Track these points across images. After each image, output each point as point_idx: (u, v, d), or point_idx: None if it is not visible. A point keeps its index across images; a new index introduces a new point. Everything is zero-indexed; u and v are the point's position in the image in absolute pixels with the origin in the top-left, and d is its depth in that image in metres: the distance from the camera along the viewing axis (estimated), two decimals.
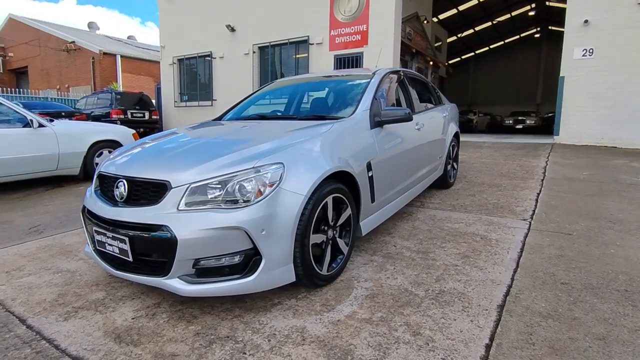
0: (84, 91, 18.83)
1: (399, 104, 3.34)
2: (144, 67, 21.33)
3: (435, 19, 20.49)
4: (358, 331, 1.72)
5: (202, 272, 1.79)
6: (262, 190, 1.81)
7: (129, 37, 31.03)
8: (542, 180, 4.68)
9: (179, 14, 14.01)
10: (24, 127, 4.67)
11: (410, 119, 2.75)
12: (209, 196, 1.79)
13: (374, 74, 3.09)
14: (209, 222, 1.74)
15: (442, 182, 4.29)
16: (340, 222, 2.23)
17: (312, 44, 10.51)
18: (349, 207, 2.28)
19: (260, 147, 2.02)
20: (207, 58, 13.28)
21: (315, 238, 2.02)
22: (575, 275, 2.21)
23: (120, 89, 19.29)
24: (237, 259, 1.78)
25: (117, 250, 1.91)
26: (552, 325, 1.72)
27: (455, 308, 1.89)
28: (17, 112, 4.67)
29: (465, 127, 17.09)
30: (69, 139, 5.01)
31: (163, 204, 1.80)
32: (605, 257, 2.46)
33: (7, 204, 4.21)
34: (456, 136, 4.52)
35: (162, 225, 1.76)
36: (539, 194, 4.07)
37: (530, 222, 3.18)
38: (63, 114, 11.66)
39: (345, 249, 2.30)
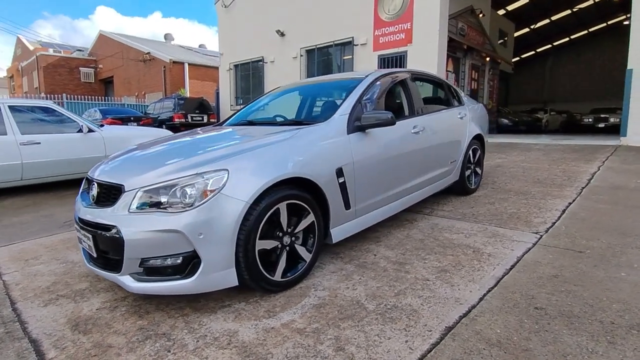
0: (157, 97, 20.76)
1: (396, 106, 3.20)
2: (209, 73, 22.86)
3: (502, 11, 19.08)
4: (284, 341, 1.70)
5: (149, 271, 1.90)
6: (203, 195, 1.87)
7: (200, 46, 33.56)
8: (583, 188, 4.13)
9: (235, 22, 14.79)
10: (77, 132, 5.31)
11: (393, 123, 2.62)
12: (156, 200, 1.90)
13: (364, 77, 3.00)
14: (152, 224, 1.85)
15: (460, 188, 4.01)
16: (299, 228, 2.21)
17: (357, 44, 10.42)
18: (312, 213, 2.25)
19: (212, 154, 2.09)
20: (260, 63, 13.84)
21: (264, 244, 2.03)
22: (558, 300, 1.94)
23: (187, 94, 20.93)
24: (178, 260, 1.86)
25: (87, 246, 2.11)
26: (495, 355, 1.54)
27: (398, 326, 1.78)
28: (72, 119, 5.33)
29: (532, 127, 15.68)
30: (114, 142, 5.58)
31: (117, 206, 1.95)
32: (609, 281, 2.12)
33: (56, 199, 4.83)
34: (478, 139, 4.18)
35: (113, 226, 1.90)
36: (570, 203, 3.61)
37: (541, 236, 2.84)
38: (132, 118, 12.98)
39: (307, 256, 2.27)
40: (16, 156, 4.77)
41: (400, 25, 9.36)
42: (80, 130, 5.31)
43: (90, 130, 5.38)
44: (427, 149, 3.26)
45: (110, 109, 15.14)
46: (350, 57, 10.59)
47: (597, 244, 2.64)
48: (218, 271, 1.89)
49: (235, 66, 15.13)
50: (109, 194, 2.06)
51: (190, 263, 1.87)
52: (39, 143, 4.94)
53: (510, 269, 2.33)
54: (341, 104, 2.70)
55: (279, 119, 3.04)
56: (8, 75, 43.31)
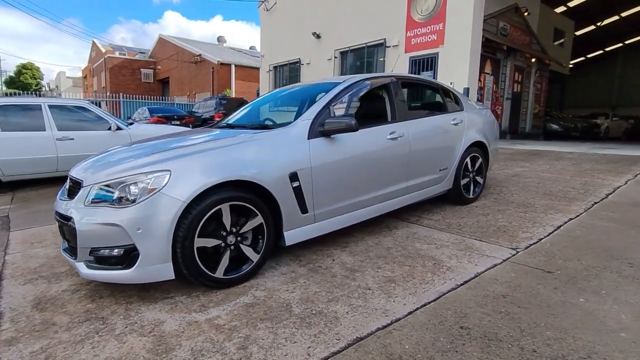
0: (205, 97, 21.93)
1: (374, 112, 3.16)
2: (254, 74, 23.61)
3: (561, 8, 17.70)
4: (199, 334, 1.80)
5: (98, 260, 2.09)
6: (144, 193, 2.02)
7: (250, 47, 34.82)
8: (596, 203, 3.77)
9: (275, 25, 15.20)
10: (107, 129, 5.82)
11: (354, 130, 2.61)
12: (106, 195, 2.08)
13: (340, 83, 3.01)
14: (99, 217, 2.03)
15: (456, 197, 3.85)
16: (245, 229, 2.29)
17: (389, 46, 10.26)
18: (260, 215, 2.32)
19: (162, 155, 2.23)
20: (297, 65, 14.11)
21: (204, 242, 2.13)
22: (491, 321, 1.84)
23: (233, 94, 21.85)
24: (120, 252, 2.03)
25: (60, 233, 2.37)
26: None
27: (311, 332, 1.80)
28: (103, 117, 5.85)
29: (589, 134, 14.41)
30: (139, 139, 6.02)
31: (76, 200, 2.17)
32: (561, 306, 1.96)
33: None
34: (479, 146, 3.98)
35: (70, 217, 2.12)
36: (571, 219, 3.33)
37: (517, 253, 2.67)
38: (175, 117, 13.86)
39: (255, 257, 2.35)
40: (52, 150, 5.34)
41: (432, 26, 9.08)
42: (109, 128, 5.81)
43: (118, 128, 5.87)
44: (408, 155, 3.18)
45: (157, 107, 16.25)
46: (383, 59, 10.45)
47: (574, 265, 2.44)
48: (155, 264, 2.03)
49: (275, 67, 15.54)
50: (75, 189, 2.29)
51: (130, 255, 2.02)
52: (73, 139, 5.49)
53: (462, 284, 2.23)
54: (305, 110, 2.74)
55: (249, 124, 3.12)
56: (82, 76, 48.06)
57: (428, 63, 9.36)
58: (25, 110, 5.33)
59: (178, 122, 13.52)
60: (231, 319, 1.93)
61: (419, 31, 9.41)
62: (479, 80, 9.81)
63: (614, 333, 1.71)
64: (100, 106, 22.42)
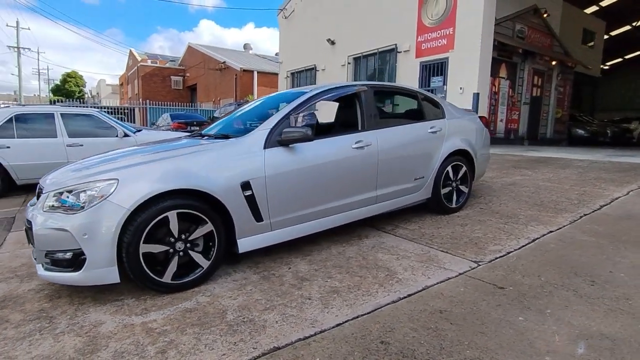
0: (226, 103, 22.52)
1: (340, 121, 3.17)
2: (276, 80, 24.05)
3: (592, 8, 16.89)
4: (128, 336, 1.88)
5: (53, 262, 2.22)
6: (92, 200, 2.14)
7: (276, 54, 35.43)
8: (585, 215, 3.58)
9: (293, 32, 15.44)
10: (115, 136, 6.13)
11: (310, 139, 2.64)
12: (60, 202, 2.22)
13: (306, 92, 3.05)
14: (52, 222, 2.17)
15: (436, 207, 3.78)
16: (194, 236, 2.36)
17: (400, 52, 10.18)
18: (210, 223, 2.39)
19: (116, 164, 2.36)
20: (312, 71, 14.24)
21: (150, 247, 2.22)
22: (415, 337, 1.80)
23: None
24: (70, 255, 2.15)
25: (26, 237, 2.54)
26: None
27: (233, 339, 1.83)
28: (111, 125, 6.17)
29: (619, 139, 13.62)
30: None
31: (37, 205, 2.32)
32: (496, 324, 1.89)
33: None
34: (463, 154, 3.88)
35: (30, 222, 2.27)
36: (551, 232, 3.19)
37: (477, 266, 2.60)
38: (195, 123, 14.31)
39: (205, 263, 2.42)
40: (63, 155, 5.68)
41: (442, 31, 8.92)
42: (117, 135, 6.12)
43: (125, 135, 6.16)
44: (376, 164, 3.16)
45: (179, 114, 16.85)
46: (394, 64, 10.37)
47: (531, 281, 2.34)
48: (101, 268, 2.14)
49: (292, 74, 15.76)
50: (39, 195, 2.45)
51: (78, 259, 2.14)
52: (82, 145, 5.82)
53: (404, 298, 2.20)
54: (264, 120, 2.79)
55: (221, 133, 3.19)
56: (119, 83, 50.72)
57: (438, 68, 9.20)
58: (40, 118, 5.71)
59: (197, 128, 13.98)
60: (165, 323, 2.00)
61: (429, 36, 9.28)
62: (493, 84, 9.53)
63: (538, 356, 1.64)
64: (134, 112, 23.66)
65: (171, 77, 33.86)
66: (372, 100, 3.32)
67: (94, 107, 21.68)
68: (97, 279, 2.16)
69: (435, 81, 9.33)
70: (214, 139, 2.84)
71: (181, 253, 2.34)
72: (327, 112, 3.04)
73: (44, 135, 5.63)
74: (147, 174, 2.27)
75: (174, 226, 2.28)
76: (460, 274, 2.49)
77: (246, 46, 34.68)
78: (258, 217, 2.60)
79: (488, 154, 4.41)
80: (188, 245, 2.36)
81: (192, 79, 31.66)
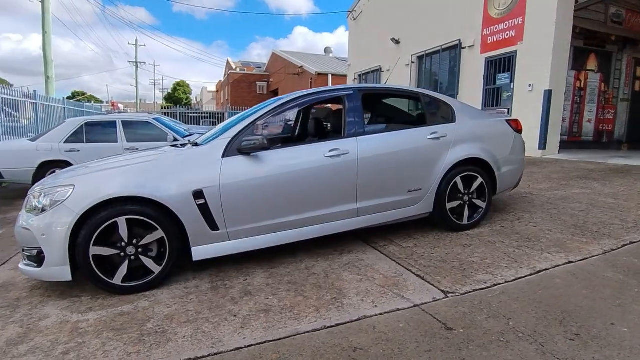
0: None
1: (323, 127, 2.99)
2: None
3: None
4: (55, 333, 2.02)
5: (26, 257, 2.50)
6: (52, 204, 2.35)
7: None
8: (630, 244, 2.81)
9: (361, 34, 15.23)
10: (166, 141, 6.73)
11: (265, 147, 2.56)
12: (34, 204, 2.48)
13: (280, 99, 2.95)
14: (22, 222, 2.45)
15: (442, 223, 3.34)
16: (143, 242, 2.45)
17: (464, 47, 9.31)
18: (160, 230, 2.46)
19: (80, 171, 2.56)
20: (377, 72, 13.87)
21: (100, 250, 2.36)
22: None
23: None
24: (35, 252, 2.40)
25: None
26: None
27: (131, 349, 1.85)
28: (164, 131, 6.79)
29: None
30: None
31: (23, 205, 2.64)
32: None
33: None
34: (477, 164, 3.36)
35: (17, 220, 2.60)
36: (570, 262, 2.57)
37: (443, 298, 2.22)
38: None
39: (156, 269, 2.49)
40: None
41: (510, 22, 7.90)
42: (167, 139, 6.71)
43: (175, 140, 6.72)
44: (355, 174, 2.91)
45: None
46: (457, 62, 9.53)
47: (494, 324, 1.91)
48: (56, 266, 2.34)
49: (360, 76, 15.55)
50: None
51: (40, 256, 2.38)
52: (137, 149, 6.51)
53: (330, 327, 1.98)
54: (229, 128, 2.77)
55: (199, 141, 3.25)
56: (216, 90, 56.06)
57: (505, 64, 8.18)
58: (105, 126, 6.55)
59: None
60: (93, 324, 2.11)
61: (495, 28, 8.30)
62: (577, 79, 8.15)
63: None
64: (224, 117, 25.88)
65: (256, 83, 36.16)
66: (357, 105, 3.07)
67: (196, 112, 24.20)
68: (53, 275, 2.37)
69: (502, 78, 8.29)
70: (182, 148, 2.92)
71: (132, 257, 2.44)
72: (314, 118, 2.91)
73: (107, 140, 6.44)
74: (98, 181, 2.43)
75: (123, 231, 2.39)
76: (415, 305, 2.15)
77: (327, 50, 35.33)
78: (213, 226, 2.59)
79: (519, 164, 3.75)
80: (140, 250, 2.45)
81: (275, 84, 33.38)
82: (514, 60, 7.86)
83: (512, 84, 7.95)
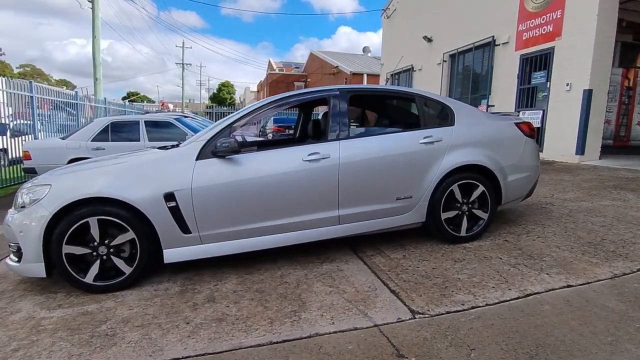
0: None
1: (304, 130, 2.88)
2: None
3: None
4: (17, 328, 2.08)
5: (12, 253, 2.62)
6: (31, 203, 2.44)
7: None
8: (637, 271, 2.43)
9: (394, 32, 14.85)
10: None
11: (236, 150, 2.52)
12: (19, 201, 2.58)
13: (261, 102, 2.88)
14: (7, 218, 2.56)
15: (438, 234, 3.11)
16: (115, 243, 2.47)
17: (498, 44, 8.73)
18: (131, 231, 2.47)
19: (62, 170, 2.63)
20: (409, 72, 13.44)
21: (72, 249, 2.41)
22: None
23: None
24: (16, 248, 2.50)
25: None
26: None
27: (75, 351, 1.85)
28: (183, 131, 6.98)
29: None
30: None
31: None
32: None
33: None
34: (478, 170, 3.08)
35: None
36: (569, 286, 2.27)
37: (409, 319, 2.03)
38: (292, 126, 15.09)
39: (127, 269, 2.51)
40: None
41: (548, 16, 7.29)
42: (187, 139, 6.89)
43: None
44: (336, 180, 2.76)
45: (280, 117, 17.95)
46: (491, 60, 8.96)
47: (453, 354, 1.71)
48: (32, 262, 2.42)
49: (392, 76, 15.17)
50: None
51: (19, 251, 2.47)
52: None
53: (274, 343, 1.87)
54: (208, 130, 2.73)
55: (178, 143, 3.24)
56: (257, 90, 57.47)
57: (541, 61, 7.56)
58: (129, 125, 6.84)
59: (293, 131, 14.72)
60: (55, 322, 2.15)
61: (532, 23, 7.70)
62: (625, 77, 7.36)
63: None
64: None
65: (294, 83, 36.53)
66: (342, 106, 2.92)
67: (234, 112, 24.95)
68: (29, 271, 2.46)
69: (537, 77, 7.66)
70: (164, 150, 2.92)
71: (104, 257, 2.48)
72: (301, 120, 2.82)
73: (130, 139, 6.71)
74: (72, 182, 2.49)
75: (94, 231, 2.43)
76: (375, 325, 1.99)
77: (365, 49, 34.95)
78: (185, 229, 2.56)
79: (531, 171, 3.40)
80: (111, 250, 2.48)
81: (312, 83, 33.51)
82: (551, 58, 7.24)
83: (548, 83, 7.33)
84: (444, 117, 3.17)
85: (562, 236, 3.15)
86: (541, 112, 7.48)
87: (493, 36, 8.84)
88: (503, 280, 2.43)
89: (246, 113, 2.81)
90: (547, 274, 2.48)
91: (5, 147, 7.66)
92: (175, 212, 2.53)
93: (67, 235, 2.38)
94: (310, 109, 2.94)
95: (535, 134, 3.47)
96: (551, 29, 7.23)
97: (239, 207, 2.64)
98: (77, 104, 9.88)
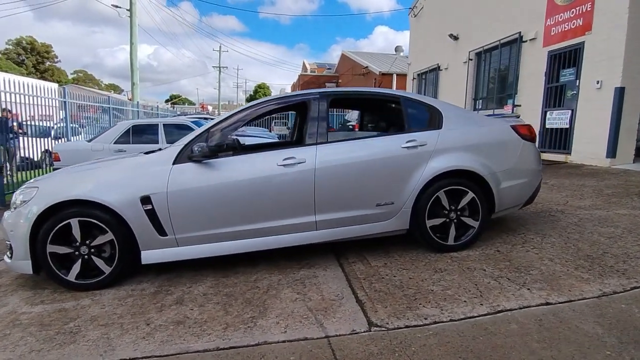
0: None
1: (292, 134, 2.86)
2: None
3: None
4: None
5: (8, 250, 2.81)
6: (22, 203, 2.61)
7: None
8: (636, 288, 2.19)
9: (421, 31, 14.48)
10: None
11: (207, 155, 2.58)
12: (13, 200, 2.77)
13: (244, 105, 2.90)
14: (4, 216, 2.75)
15: (423, 242, 2.99)
16: (95, 243, 2.59)
17: (525, 41, 8.26)
18: (110, 232, 2.58)
19: (52, 174, 2.78)
20: (435, 71, 13.05)
21: (56, 248, 2.55)
22: None
23: None
24: (9, 245, 2.69)
25: None
26: None
27: (35, 347, 1.95)
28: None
29: None
30: None
31: None
32: None
33: None
34: (468, 176, 2.93)
35: None
36: (547, 304, 2.10)
37: (364, 332, 1.97)
38: None
39: (107, 269, 2.62)
40: None
41: (578, 8, 6.79)
42: None
43: None
44: (311, 185, 2.72)
45: None
46: (517, 57, 8.49)
47: None
48: (21, 260, 2.59)
49: (419, 75, 14.80)
50: None
51: (12, 249, 2.65)
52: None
53: (224, 349, 1.87)
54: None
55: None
56: (290, 91, 58.29)
57: (570, 58, 7.06)
58: (149, 128, 7.14)
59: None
60: (31, 317, 2.28)
61: (560, 17, 7.21)
62: None
63: None
64: (288, 117, 26.86)
65: (326, 83, 36.57)
66: (321, 110, 2.88)
67: None
68: (19, 268, 2.63)
69: (566, 75, 7.15)
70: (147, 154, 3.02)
71: (85, 257, 2.60)
72: (297, 124, 2.82)
73: (150, 142, 7.00)
74: (56, 184, 2.63)
75: (76, 232, 2.56)
76: (325, 337, 1.94)
77: (397, 49, 34.27)
78: (161, 231, 2.64)
79: (530, 176, 3.17)
80: (92, 250, 2.60)
81: (343, 84, 33.40)
82: (580, 54, 6.75)
83: (577, 80, 6.83)
84: (431, 120, 3.04)
85: (561, 248, 2.92)
86: (570, 112, 6.99)
87: (520, 32, 8.37)
88: (478, 294, 2.29)
89: (224, 118, 2.84)
90: (529, 289, 2.30)
91: (48, 148, 8.26)
92: (152, 215, 2.60)
93: (51, 235, 2.52)
94: (306, 111, 2.93)
95: (536, 137, 3.23)
96: (581, 23, 6.74)
97: (214, 211, 2.68)
98: (108, 107, 10.46)
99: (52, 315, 2.29)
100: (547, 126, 7.62)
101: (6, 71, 37.92)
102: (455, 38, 11.46)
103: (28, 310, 2.38)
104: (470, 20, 10.58)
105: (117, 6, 17.91)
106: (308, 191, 2.75)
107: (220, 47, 48.54)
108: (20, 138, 7.36)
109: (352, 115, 15.07)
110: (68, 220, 2.53)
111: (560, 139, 7.30)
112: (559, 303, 2.12)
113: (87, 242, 2.59)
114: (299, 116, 3.12)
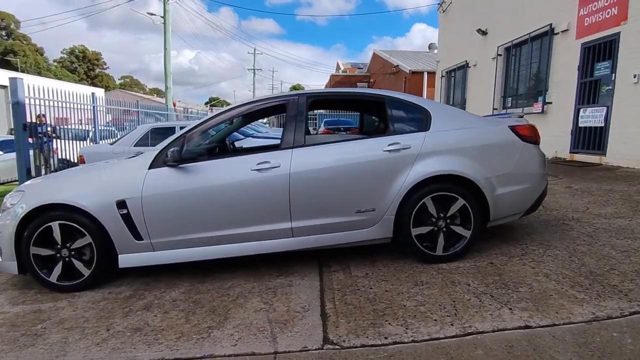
0: None
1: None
2: None
3: None
4: None
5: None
6: (10, 206, 2.72)
7: None
8: (635, 314, 1.89)
9: (449, 27, 13.94)
10: None
11: (176, 159, 2.57)
12: (2, 204, 2.90)
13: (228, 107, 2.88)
14: None
15: (410, 252, 2.82)
16: (75, 246, 2.65)
17: (557, 33, 7.66)
18: (88, 236, 2.63)
19: (41, 178, 2.88)
20: (464, 68, 12.49)
21: (39, 250, 2.64)
22: None
23: None
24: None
25: None
26: None
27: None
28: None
29: None
30: None
31: None
32: None
33: None
34: (457, 181, 2.71)
35: None
36: (526, 327, 1.87)
37: (316, 350, 1.85)
38: (342, 128, 14.95)
39: (86, 272, 2.68)
40: None
41: None
42: None
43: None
44: (286, 190, 2.63)
45: (332, 120, 17.94)
46: (548, 51, 7.90)
47: None
48: (8, 261, 2.70)
49: (447, 73, 14.24)
50: None
51: (0, 250, 2.77)
52: None
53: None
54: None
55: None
56: None
57: (604, 50, 6.45)
58: (167, 131, 7.34)
59: (344, 133, 14.59)
60: (8, 318, 2.37)
61: (594, 6, 6.61)
62: None
63: None
64: (316, 117, 26.89)
65: (357, 83, 36.25)
66: (299, 113, 2.78)
67: None
68: (7, 269, 2.74)
69: (600, 68, 6.53)
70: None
71: (66, 259, 2.67)
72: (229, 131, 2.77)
73: None
74: (39, 189, 2.72)
75: (57, 235, 2.63)
76: (274, 352, 1.85)
77: (431, 46, 33.28)
78: (137, 236, 2.65)
79: (533, 181, 2.89)
80: (72, 253, 2.67)
81: (375, 84, 32.99)
82: (616, 45, 6.15)
83: (612, 74, 6.23)
84: (418, 121, 2.85)
85: (562, 262, 2.63)
86: (605, 109, 6.39)
87: (551, 24, 7.79)
88: (453, 312, 2.10)
89: (200, 122, 2.82)
90: (510, 308, 2.08)
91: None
92: (127, 219, 2.62)
93: (34, 237, 2.61)
94: (285, 114, 2.87)
95: (539, 139, 2.94)
96: (616, 12, 6.14)
97: (188, 216, 2.66)
98: (137, 111, 10.93)
99: (26, 317, 2.36)
100: (580, 125, 7.02)
101: (60, 78, 40.99)
102: (484, 33, 10.89)
103: (8, 310, 2.47)
104: (498, 14, 10.01)
105: (152, 14, 18.76)
106: (283, 197, 2.66)
107: (254, 49, 49.47)
108: (54, 141, 7.87)
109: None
110: (49, 224, 2.61)
111: (595, 139, 6.70)
112: (540, 327, 1.88)
113: (68, 245, 2.65)
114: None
